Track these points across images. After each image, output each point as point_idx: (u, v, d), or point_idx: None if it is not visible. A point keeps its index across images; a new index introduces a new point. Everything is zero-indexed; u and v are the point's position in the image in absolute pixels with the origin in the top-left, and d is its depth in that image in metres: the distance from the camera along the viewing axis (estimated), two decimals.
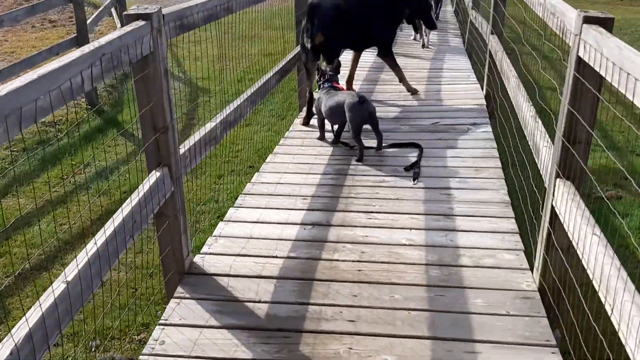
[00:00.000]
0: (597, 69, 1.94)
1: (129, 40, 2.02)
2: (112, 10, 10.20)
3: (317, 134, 4.43)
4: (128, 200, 2.14)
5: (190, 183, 4.89)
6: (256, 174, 3.86)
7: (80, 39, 6.90)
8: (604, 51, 1.86)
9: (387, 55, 5.26)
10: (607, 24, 2.07)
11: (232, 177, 5.19)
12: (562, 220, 2.28)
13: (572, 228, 2.13)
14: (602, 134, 6.30)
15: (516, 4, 4.36)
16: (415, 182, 3.65)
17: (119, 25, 10.21)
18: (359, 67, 6.63)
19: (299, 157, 4.11)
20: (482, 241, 2.94)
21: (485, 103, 5.14)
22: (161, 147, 2.41)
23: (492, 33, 5.07)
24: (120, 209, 2.07)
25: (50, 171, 5.24)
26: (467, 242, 2.95)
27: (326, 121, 4.34)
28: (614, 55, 1.78)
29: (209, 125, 2.95)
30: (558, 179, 2.35)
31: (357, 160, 4.01)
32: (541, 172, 2.69)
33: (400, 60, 7.08)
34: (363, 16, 4.90)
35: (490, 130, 4.51)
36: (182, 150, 2.58)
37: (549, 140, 2.66)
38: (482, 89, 5.54)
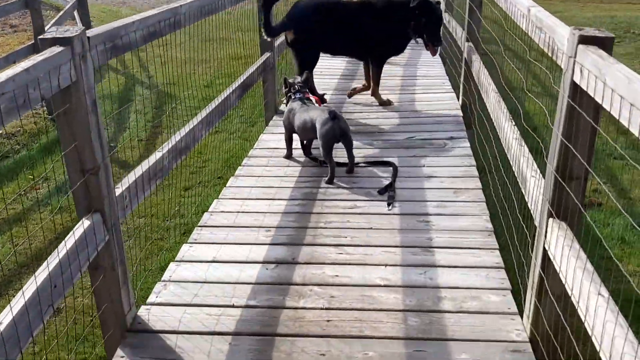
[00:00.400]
0: (598, 100, 1.65)
1: (41, 71, 1.67)
2: (75, 13, 9.75)
3: (285, 152, 4.10)
4: (44, 265, 1.77)
5: (154, 197, 4.58)
6: (215, 201, 3.51)
7: (38, 47, 6.45)
8: (607, 81, 1.57)
9: (376, 66, 5.00)
10: (606, 44, 1.78)
11: (199, 189, 4.87)
12: (556, 268, 1.99)
13: (570, 281, 1.83)
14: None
15: (494, 12, 4.08)
16: (390, 207, 3.34)
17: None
18: (330, 74, 6.34)
19: (263, 180, 3.77)
20: (464, 280, 2.65)
21: (461, 114, 4.86)
22: (92, 191, 2.05)
23: (467, 40, 4.80)
24: (33, 277, 1.71)
25: (6, 187, 4.86)
26: (449, 280, 2.65)
27: (294, 136, 4.02)
28: (621, 87, 1.48)
29: (154, 157, 2.59)
30: (551, 219, 2.06)
31: (327, 182, 3.69)
32: (529, 205, 2.40)
33: None
34: (354, 21, 4.63)
35: (468, 145, 4.23)
36: (119, 191, 2.23)
37: (537, 170, 2.37)
38: (458, 98, 5.26)
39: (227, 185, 3.73)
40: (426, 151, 4.15)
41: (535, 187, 2.28)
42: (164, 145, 2.73)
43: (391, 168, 3.84)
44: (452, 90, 5.59)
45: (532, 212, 2.33)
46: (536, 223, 2.23)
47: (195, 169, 5.34)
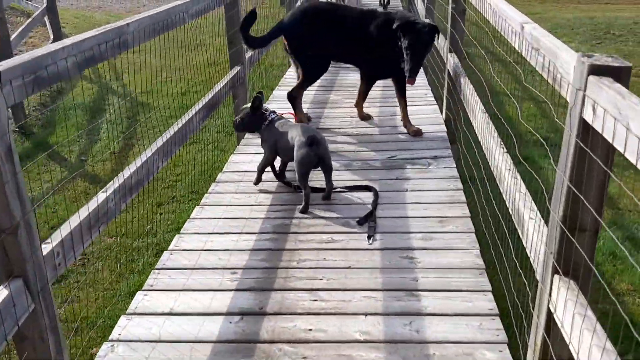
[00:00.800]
0: (619, 147, 1.35)
1: None
2: (45, 19, 9.33)
3: (255, 176, 3.75)
4: None
5: (125, 214, 4.27)
6: (177, 236, 3.16)
7: (3, 58, 6.03)
8: (632, 126, 1.26)
9: (365, 83, 4.71)
10: (622, 76, 1.48)
11: (173, 205, 4.57)
12: (563, 333, 1.69)
13: (581, 352, 1.53)
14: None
15: (479, 23, 3.80)
16: (371, 241, 3.03)
17: (51, 36, 9.37)
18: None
19: (231, 210, 3.43)
20: (455, 331, 2.33)
21: (445, 129, 4.56)
22: (10, 254, 1.70)
23: (450, 51, 4.51)
24: None
25: None
26: (437, 333, 2.33)
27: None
28: None
29: (95, 200, 2.24)
30: (557, 276, 1.76)
31: (301, 211, 3.37)
32: (527, 251, 2.10)
33: (349, 75, 6.52)
34: (349, 30, 4.32)
35: (454, 165, 3.93)
36: (47, 248, 1.88)
37: (537, 212, 2.06)
38: (441, 111, 4.96)
39: (190, 216, 3.39)
40: (409, 173, 3.85)
41: (536, 233, 1.98)
42: (109, 185, 2.38)
43: (372, 193, 3.53)
44: (435, 102, 5.29)
45: (531, 261, 2.03)
46: (538, 276, 1.93)
47: (170, 182, 5.04)
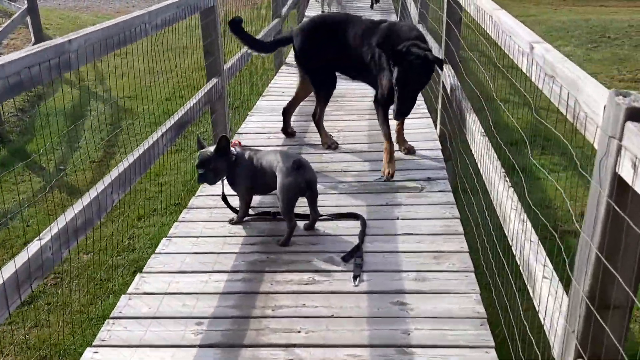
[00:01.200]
0: None
1: None
2: (28, 20, 8.98)
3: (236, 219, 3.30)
4: None
5: (103, 229, 4.02)
6: (138, 276, 2.79)
7: None
8: None
9: (376, 107, 4.01)
10: None
11: (154, 219, 4.31)
12: None
13: None
14: (562, 151, 5.59)
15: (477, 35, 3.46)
16: (357, 282, 2.68)
17: (33, 37, 9.02)
18: (287, 96, 5.66)
19: (201, 243, 3.08)
20: None
21: (440, 147, 4.23)
22: None
23: (445, 62, 4.17)
24: None
25: None
26: None
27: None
28: None
29: (26, 253, 1.87)
30: None
31: (281, 244, 3.02)
32: (540, 315, 1.76)
33: (339, 83, 6.16)
34: (353, 44, 3.90)
35: (450, 189, 3.59)
36: None
37: (553, 272, 1.73)
38: (435, 126, 4.63)
39: (156, 251, 3.03)
40: (400, 197, 3.51)
41: (552, 298, 1.64)
42: (46, 230, 2.02)
43: (358, 222, 3.19)
44: (429, 115, 4.96)
45: (546, 331, 1.69)
46: (555, 355, 1.59)
47: (152, 194, 4.72)
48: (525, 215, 2.06)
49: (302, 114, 5.19)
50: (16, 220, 4.52)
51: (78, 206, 2.19)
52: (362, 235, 3.05)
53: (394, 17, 9.86)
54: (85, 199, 2.25)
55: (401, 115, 3.57)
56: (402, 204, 3.43)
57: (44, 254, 1.93)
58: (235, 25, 4.07)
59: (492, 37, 2.51)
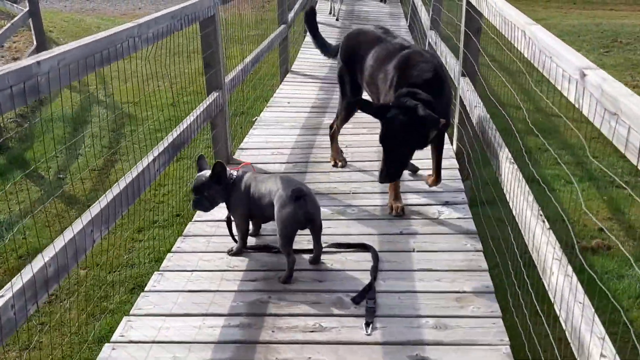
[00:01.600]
0: None
1: None
2: (30, 22, 8.77)
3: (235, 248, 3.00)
4: None
5: (101, 242, 3.75)
6: (124, 320, 2.48)
7: None
8: None
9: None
10: None
11: (155, 231, 4.12)
12: None
13: None
14: (576, 160, 5.31)
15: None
16: (369, 330, 2.37)
17: (34, 40, 8.82)
18: (301, 105, 5.35)
19: (196, 279, 2.77)
20: None
21: (457, 165, 3.91)
22: None
23: (463, 75, 3.86)
24: None
25: None
26: None
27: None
28: None
29: None
30: None
31: (282, 281, 2.72)
32: None
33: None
34: (370, 67, 3.46)
35: (470, 215, 3.27)
36: None
37: (605, 338, 1.41)
38: (452, 142, 4.31)
39: (146, 288, 2.73)
40: (415, 225, 3.20)
41: None
42: (7, 287, 1.72)
43: (370, 254, 2.89)
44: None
45: None
46: None
47: (153, 204, 4.53)
48: (571, 269, 1.74)
49: (308, 126, 4.90)
50: (12, 232, 4.31)
51: (49, 252, 1.89)
52: (375, 271, 2.75)
53: (403, 23, 9.55)
54: (59, 243, 1.96)
55: (389, 178, 2.98)
56: (417, 232, 3.12)
57: (3, 315, 1.63)
58: (311, 17, 3.82)
59: (525, 55, 2.20)
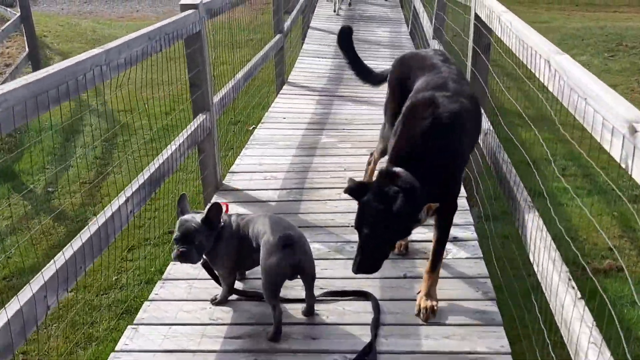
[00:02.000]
0: None
1: None
2: (22, 27, 8.54)
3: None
4: None
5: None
6: None
7: None
8: None
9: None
10: None
11: (146, 249, 3.96)
12: None
13: None
14: (583, 172, 5.05)
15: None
16: None
17: (27, 46, 8.58)
18: (289, 123, 5.02)
19: (174, 335, 2.45)
20: None
21: (465, 194, 3.60)
22: None
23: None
24: None
25: None
26: None
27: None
28: None
29: None
30: None
31: (270, 339, 2.40)
32: None
33: (344, 108, 5.60)
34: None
35: (481, 254, 2.96)
36: None
37: None
38: None
39: (117, 347, 2.41)
40: (420, 267, 2.88)
41: None
42: None
43: (370, 303, 2.58)
44: None
45: None
46: None
47: (144, 220, 4.31)
48: (606, 347, 1.43)
49: (305, 146, 4.59)
50: None
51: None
52: (375, 326, 2.43)
53: (404, 29, 9.23)
54: (5, 314, 1.64)
55: (363, 270, 2.39)
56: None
57: None
58: (345, 37, 3.28)
59: (549, 89, 1.88)
